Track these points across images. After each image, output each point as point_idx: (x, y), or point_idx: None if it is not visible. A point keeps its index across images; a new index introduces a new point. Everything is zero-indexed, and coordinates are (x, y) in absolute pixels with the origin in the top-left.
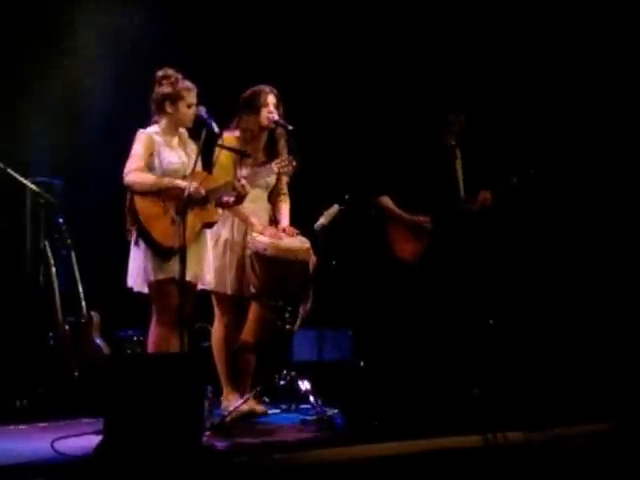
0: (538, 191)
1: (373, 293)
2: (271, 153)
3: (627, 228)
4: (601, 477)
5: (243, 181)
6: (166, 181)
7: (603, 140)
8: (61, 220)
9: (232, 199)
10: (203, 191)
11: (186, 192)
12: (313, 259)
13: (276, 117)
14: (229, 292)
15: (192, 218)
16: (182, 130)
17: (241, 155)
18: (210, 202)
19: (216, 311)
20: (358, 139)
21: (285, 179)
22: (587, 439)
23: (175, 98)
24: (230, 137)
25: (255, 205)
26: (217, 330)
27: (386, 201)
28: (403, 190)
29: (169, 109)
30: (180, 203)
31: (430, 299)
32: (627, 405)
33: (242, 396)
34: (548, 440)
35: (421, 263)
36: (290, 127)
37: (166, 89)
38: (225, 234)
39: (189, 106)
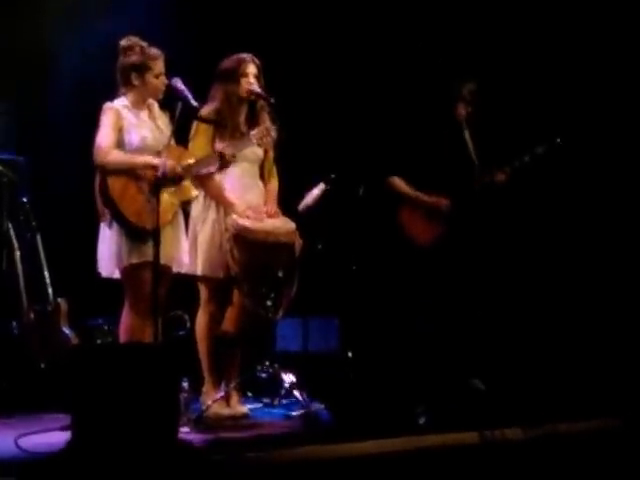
0: (564, 164)
1: (359, 278)
2: (252, 126)
3: None
4: (603, 475)
5: (230, 150)
6: (139, 159)
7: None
8: (25, 200)
9: (214, 169)
10: (179, 168)
11: (160, 170)
12: (299, 242)
13: (257, 88)
14: (219, 275)
15: (167, 197)
16: (152, 101)
17: (218, 126)
18: (187, 179)
19: (202, 298)
20: (348, 115)
21: (271, 154)
22: (589, 435)
23: (142, 69)
24: (207, 110)
25: (245, 180)
26: (201, 319)
27: (398, 182)
28: (415, 169)
29: (136, 81)
30: (154, 182)
31: (444, 285)
32: (630, 400)
33: (225, 392)
34: (548, 436)
35: (440, 247)
36: (272, 99)
37: (131, 59)
38: (212, 214)
39: (157, 76)
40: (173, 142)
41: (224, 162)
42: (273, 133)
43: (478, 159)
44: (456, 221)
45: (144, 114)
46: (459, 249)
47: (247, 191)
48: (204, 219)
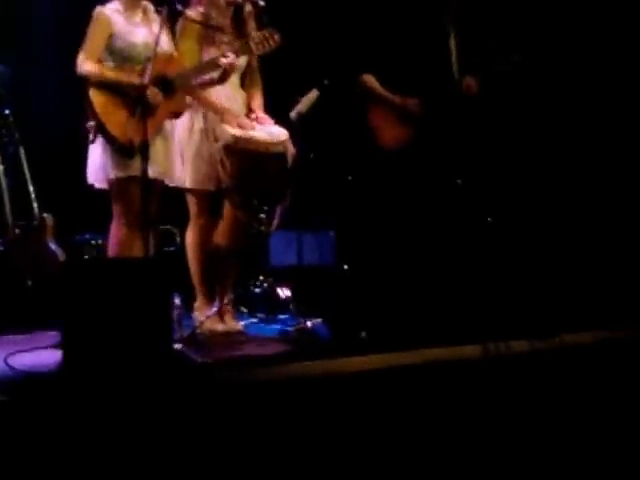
0: (543, 72)
1: (355, 188)
2: (240, 33)
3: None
4: (613, 387)
5: (231, 57)
6: (120, 78)
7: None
8: (8, 112)
9: (214, 78)
10: (160, 97)
11: (143, 91)
12: (292, 151)
13: None
14: (209, 188)
15: (157, 109)
16: (146, 3)
17: (206, 27)
18: (179, 89)
19: (191, 212)
20: (339, 14)
21: (255, 62)
22: (598, 347)
23: None
24: (193, 14)
25: (228, 90)
26: (191, 233)
27: (370, 80)
28: (389, 68)
29: None
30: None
31: (418, 192)
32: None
33: (218, 308)
34: (555, 349)
35: (408, 151)
36: (262, 2)
37: None
38: (199, 124)
39: None
40: (168, 47)
41: (225, 72)
42: (277, 37)
43: (459, 71)
44: (427, 124)
45: (138, 18)
46: (430, 152)
47: (230, 101)
48: (190, 129)
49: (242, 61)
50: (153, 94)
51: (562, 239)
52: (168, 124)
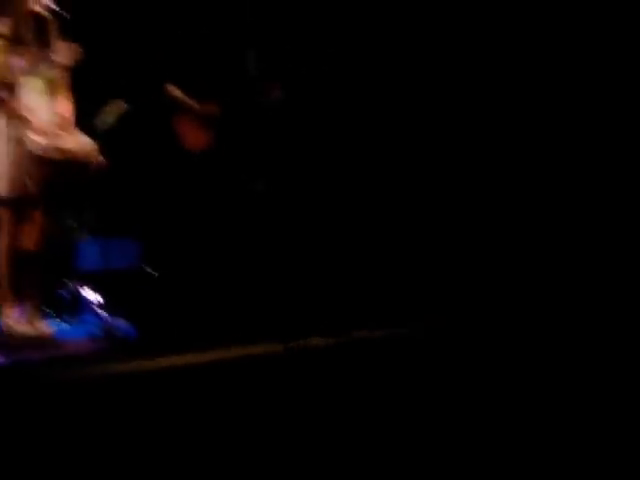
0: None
1: (162, 193)
2: (43, 44)
3: None
4: (405, 382)
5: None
6: None
7: None
8: None
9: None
10: None
11: None
12: (99, 161)
13: (48, 1)
14: (11, 195)
15: None
16: None
17: (15, 42)
18: None
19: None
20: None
21: (63, 72)
22: (389, 344)
23: None
24: (1, 28)
25: (33, 99)
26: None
27: (174, 90)
28: (192, 78)
29: None
30: None
31: (219, 194)
32: (429, 309)
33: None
34: (349, 345)
35: (210, 153)
36: (66, 14)
37: None
38: (2, 131)
39: None
40: None
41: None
42: (79, 50)
43: (261, 77)
44: (227, 128)
45: None
46: (231, 154)
47: (37, 109)
48: None
49: (48, 71)
50: None
51: (354, 242)
52: None
